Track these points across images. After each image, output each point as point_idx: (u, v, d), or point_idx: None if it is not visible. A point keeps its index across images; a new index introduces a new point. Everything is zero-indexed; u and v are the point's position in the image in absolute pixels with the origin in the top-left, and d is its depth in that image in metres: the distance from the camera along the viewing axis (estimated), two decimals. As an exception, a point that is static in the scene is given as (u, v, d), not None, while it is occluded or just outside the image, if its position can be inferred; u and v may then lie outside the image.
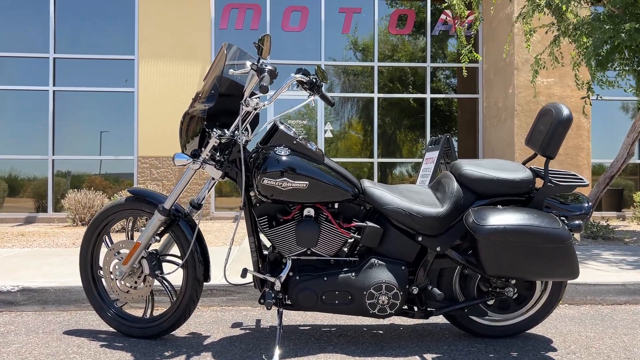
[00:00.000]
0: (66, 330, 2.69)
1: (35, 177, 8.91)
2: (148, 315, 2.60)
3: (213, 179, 2.47)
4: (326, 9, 9.09)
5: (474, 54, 6.55)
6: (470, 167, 2.43)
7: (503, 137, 8.49)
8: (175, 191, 2.48)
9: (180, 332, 2.66)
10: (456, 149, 8.00)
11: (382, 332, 2.69)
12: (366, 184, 2.46)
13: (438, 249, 2.40)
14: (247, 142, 2.45)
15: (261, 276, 2.39)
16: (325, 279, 2.35)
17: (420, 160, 7.95)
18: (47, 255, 4.43)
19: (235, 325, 2.81)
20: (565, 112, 2.34)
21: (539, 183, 2.42)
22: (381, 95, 9.33)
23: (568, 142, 7.84)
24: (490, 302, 2.51)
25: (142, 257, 2.49)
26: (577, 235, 5.41)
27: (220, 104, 2.39)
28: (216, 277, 2.88)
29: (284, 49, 8.93)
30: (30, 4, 8.77)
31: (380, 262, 2.38)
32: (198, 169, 2.41)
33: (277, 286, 2.34)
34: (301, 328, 2.74)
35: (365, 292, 2.33)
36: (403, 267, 2.39)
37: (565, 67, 6.29)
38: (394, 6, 9.56)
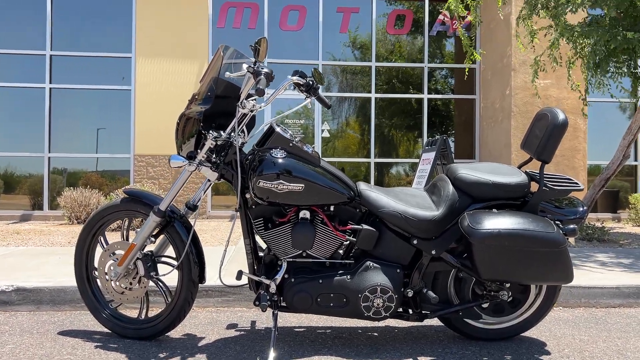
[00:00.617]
0: (60, 331, 2.69)
1: (31, 174, 8.88)
2: (143, 317, 2.60)
3: (209, 180, 2.47)
4: (324, 9, 9.08)
5: (476, 55, 6.59)
6: (466, 171, 2.44)
7: (500, 138, 8.51)
8: (171, 193, 2.48)
9: (175, 333, 2.66)
10: (453, 150, 8.01)
11: (377, 334, 2.69)
12: (362, 186, 2.46)
13: (433, 252, 2.40)
14: (243, 144, 2.46)
15: (256, 278, 2.39)
16: (321, 281, 2.35)
17: (417, 160, 7.96)
18: (42, 254, 4.42)
19: (231, 326, 2.81)
20: (561, 116, 2.35)
21: (534, 187, 2.43)
22: (379, 95, 9.33)
23: (564, 144, 7.86)
24: (485, 305, 2.52)
25: (138, 258, 2.48)
26: (571, 239, 5.43)
27: (216, 106, 2.39)
28: (211, 278, 2.87)
29: (282, 48, 8.91)
30: (27, 1, 8.73)
31: (375, 264, 2.38)
32: (194, 170, 2.41)
33: (273, 288, 2.35)
34: (296, 330, 2.74)
35: (360, 295, 2.33)
36: (398, 270, 2.39)
37: (563, 68, 6.30)
38: (392, 4, 9.56)
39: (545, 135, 2.36)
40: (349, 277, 2.36)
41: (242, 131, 2.45)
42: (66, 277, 3.29)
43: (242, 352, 2.39)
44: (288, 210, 2.39)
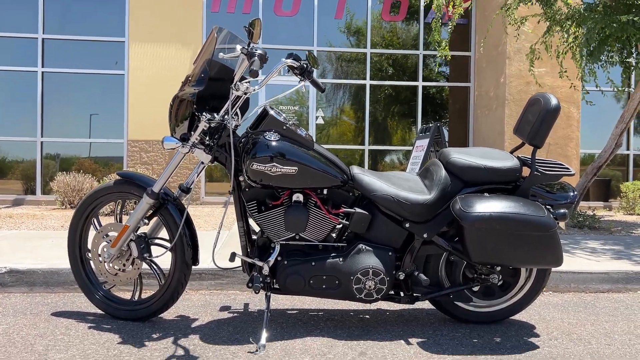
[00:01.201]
0: (54, 312, 2.70)
1: (23, 159, 8.83)
2: (136, 298, 2.61)
3: (202, 163, 2.47)
4: (319, -6, 9.02)
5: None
6: (458, 155, 2.45)
7: (494, 126, 8.53)
8: (164, 175, 2.48)
9: (169, 314, 2.67)
10: (447, 138, 8.03)
11: (369, 316, 2.72)
12: (355, 170, 2.48)
13: (425, 235, 2.43)
14: (236, 126, 2.45)
15: (249, 260, 2.40)
16: (313, 263, 2.37)
17: (411, 148, 7.97)
18: (35, 237, 4.42)
19: (224, 308, 2.83)
20: (554, 101, 2.36)
21: (526, 172, 2.45)
22: (373, 82, 9.31)
23: (557, 132, 7.90)
24: (476, 289, 2.55)
25: (131, 240, 2.49)
26: (562, 224, 5.47)
27: (210, 88, 2.38)
28: (205, 261, 2.89)
29: (276, 33, 8.85)
30: (18, -18, 8.61)
31: (367, 247, 2.40)
32: (187, 152, 2.41)
33: (266, 270, 2.36)
34: (289, 312, 2.76)
35: (352, 277, 2.35)
36: (390, 253, 2.41)
37: (559, 56, 6.30)
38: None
39: (537, 120, 2.38)
40: (341, 259, 2.38)
41: (236, 113, 2.44)
42: (59, 260, 3.29)
43: (235, 333, 2.41)
44: (281, 193, 2.40)
